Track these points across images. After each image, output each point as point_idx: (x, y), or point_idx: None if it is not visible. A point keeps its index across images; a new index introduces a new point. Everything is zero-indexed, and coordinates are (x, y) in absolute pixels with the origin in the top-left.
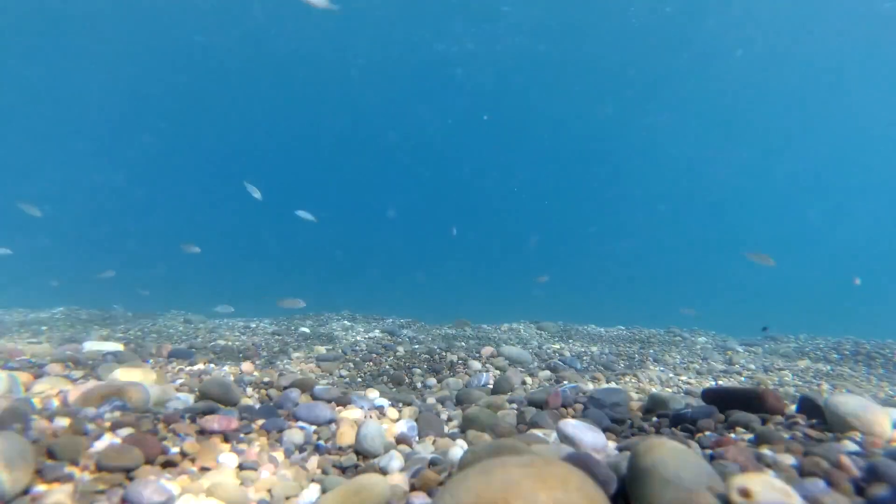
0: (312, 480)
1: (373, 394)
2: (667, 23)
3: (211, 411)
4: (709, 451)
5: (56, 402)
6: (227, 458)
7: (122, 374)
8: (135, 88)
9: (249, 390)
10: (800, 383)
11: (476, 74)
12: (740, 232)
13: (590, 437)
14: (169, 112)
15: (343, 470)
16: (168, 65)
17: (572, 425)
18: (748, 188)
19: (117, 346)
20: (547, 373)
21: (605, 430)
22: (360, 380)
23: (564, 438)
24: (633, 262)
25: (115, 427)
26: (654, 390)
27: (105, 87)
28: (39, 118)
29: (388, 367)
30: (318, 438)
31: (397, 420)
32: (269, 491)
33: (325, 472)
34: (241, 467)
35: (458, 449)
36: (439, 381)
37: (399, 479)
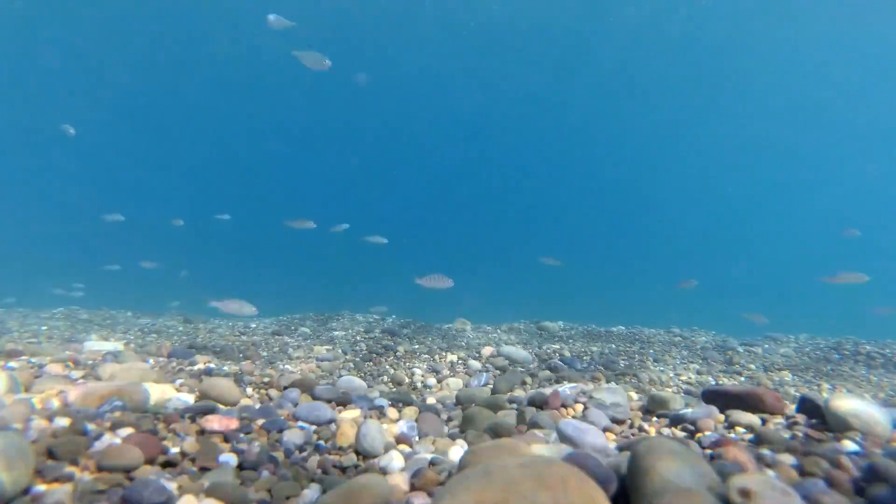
0: (312, 480)
1: (373, 394)
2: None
3: (211, 411)
4: (709, 451)
5: (56, 402)
6: (227, 458)
7: (122, 374)
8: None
9: (249, 390)
10: (800, 383)
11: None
12: (741, 232)
13: (590, 437)
14: (169, 110)
15: (343, 470)
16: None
17: (572, 425)
18: (749, 188)
19: (117, 346)
20: (547, 373)
21: (605, 430)
22: (360, 380)
23: (564, 438)
24: (633, 262)
25: (115, 427)
26: (654, 390)
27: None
28: (46, 119)
29: (388, 366)
30: (318, 438)
31: (397, 420)
32: (269, 491)
33: (325, 472)
34: (240, 467)
35: (458, 449)
36: (439, 381)
37: (399, 479)
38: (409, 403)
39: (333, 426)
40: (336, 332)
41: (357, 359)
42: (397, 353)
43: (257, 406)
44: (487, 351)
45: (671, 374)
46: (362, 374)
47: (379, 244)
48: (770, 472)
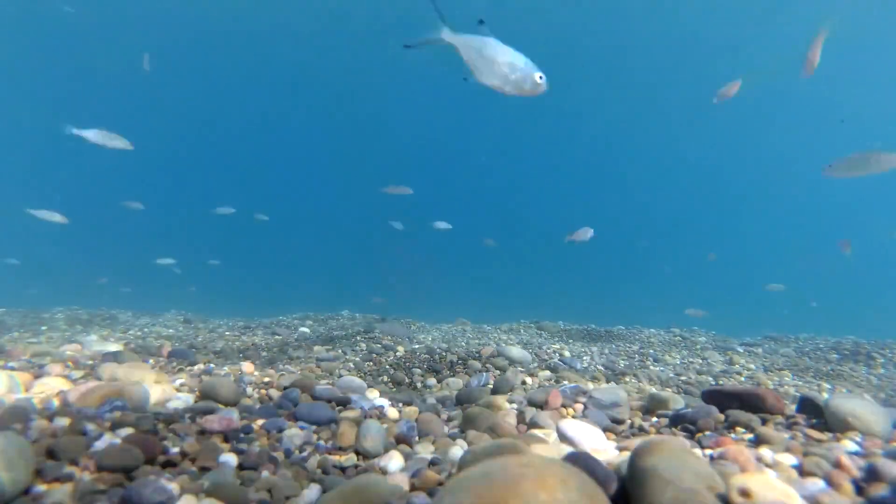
0: (312, 480)
1: (373, 394)
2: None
3: (211, 411)
4: (709, 451)
5: (56, 402)
6: (227, 458)
7: (123, 374)
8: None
9: (249, 390)
10: (800, 383)
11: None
12: (743, 231)
13: (590, 437)
14: (173, 112)
15: (343, 470)
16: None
17: (572, 425)
18: (751, 188)
19: (117, 346)
20: (547, 373)
21: (605, 430)
22: (360, 380)
23: (564, 438)
24: (633, 261)
25: (115, 427)
26: (653, 390)
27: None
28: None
29: (388, 366)
30: (318, 438)
31: (397, 420)
32: (269, 491)
33: (325, 472)
34: (241, 467)
35: (458, 449)
36: (439, 381)
37: (399, 479)
38: (409, 403)
39: (333, 426)
40: (336, 332)
41: (357, 359)
42: (397, 353)
43: (257, 406)
44: (487, 351)
45: (671, 374)
46: (362, 374)
47: (445, 229)
48: (770, 472)
